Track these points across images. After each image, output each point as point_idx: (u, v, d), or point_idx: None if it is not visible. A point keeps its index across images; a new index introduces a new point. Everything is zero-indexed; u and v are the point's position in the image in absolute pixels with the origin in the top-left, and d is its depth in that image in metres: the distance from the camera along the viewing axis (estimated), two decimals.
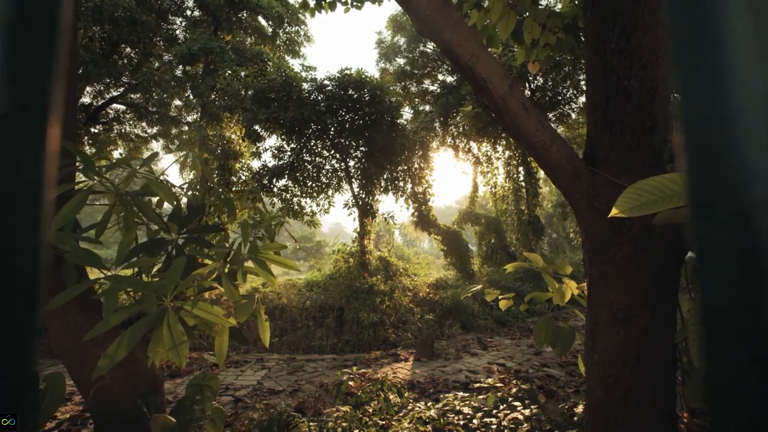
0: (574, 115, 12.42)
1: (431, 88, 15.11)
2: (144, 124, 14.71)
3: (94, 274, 1.86)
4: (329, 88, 9.34)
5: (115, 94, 13.37)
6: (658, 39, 1.33)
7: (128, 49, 12.69)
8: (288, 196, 10.10)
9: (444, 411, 3.03)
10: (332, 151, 10.10)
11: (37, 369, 0.17)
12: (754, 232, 0.14)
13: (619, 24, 1.38)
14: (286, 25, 14.48)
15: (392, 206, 42.91)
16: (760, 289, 0.14)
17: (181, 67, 12.44)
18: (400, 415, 3.01)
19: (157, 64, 13.47)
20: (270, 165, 10.19)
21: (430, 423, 2.81)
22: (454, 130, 13.49)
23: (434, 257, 16.02)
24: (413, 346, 6.81)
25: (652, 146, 1.36)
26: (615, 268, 1.41)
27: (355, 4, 3.68)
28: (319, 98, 9.31)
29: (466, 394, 3.39)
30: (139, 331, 1.21)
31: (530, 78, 11.31)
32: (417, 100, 15.22)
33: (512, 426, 2.66)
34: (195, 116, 13.80)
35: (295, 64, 12.39)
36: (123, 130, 14.64)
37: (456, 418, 2.88)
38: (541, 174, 12.06)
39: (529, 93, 11.53)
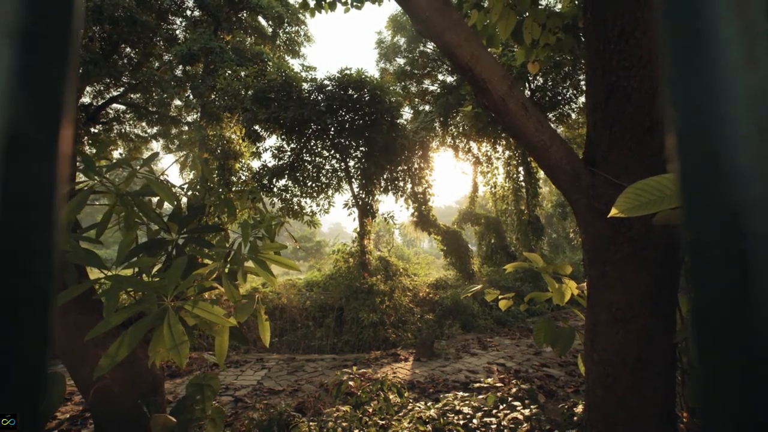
0: (573, 115, 12.43)
1: (431, 88, 15.11)
2: (144, 124, 14.72)
3: (94, 274, 1.87)
4: (329, 88, 9.34)
5: (115, 94, 13.38)
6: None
7: (128, 49, 12.69)
8: (288, 196, 10.11)
9: (444, 411, 3.03)
10: (332, 151, 10.10)
11: (47, 370, 0.18)
12: (744, 232, 0.14)
13: (619, 24, 1.38)
14: (286, 25, 14.48)
15: (392, 206, 42.97)
16: (750, 287, 0.14)
17: (181, 67, 12.45)
18: (400, 414, 3.01)
19: (157, 64, 13.47)
20: (270, 165, 10.20)
21: (430, 423, 2.82)
22: (454, 130, 13.49)
23: (434, 257, 16.03)
24: (413, 346, 6.81)
25: (652, 146, 1.37)
26: (614, 268, 1.41)
27: (355, 4, 3.68)
28: (319, 98, 9.32)
29: (466, 394, 3.39)
30: (140, 330, 1.21)
31: (530, 78, 11.32)
32: (417, 100, 15.22)
33: (512, 426, 2.66)
34: (195, 116, 13.80)
35: (295, 64, 12.41)
36: (123, 130, 14.64)
37: (456, 417, 2.88)
38: (541, 174, 12.07)
39: (528, 93, 11.54)
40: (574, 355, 5.12)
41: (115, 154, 14.37)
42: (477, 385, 3.63)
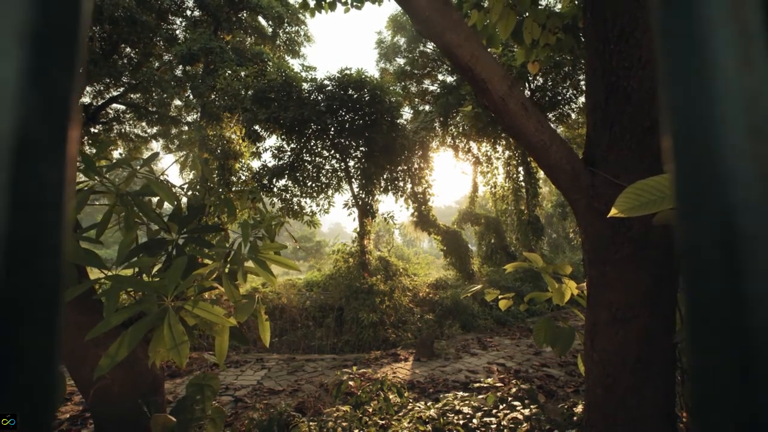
0: (573, 115, 12.43)
1: (431, 88, 15.12)
2: (144, 124, 14.73)
3: (94, 274, 1.87)
4: (329, 88, 9.34)
5: (115, 94, 13.39)
6: None
7: (128, 49, 12.70)
8: (288, 196, 10.11)
9: (444, 411, 3.03)
10: (332, 151, 10.10)
11: (58, 369, 0.18)
12: (737, 233, 0.15)
13: (619, 25, 1.38)
14: (286, 25, 14.49)
15: (392, 206, 42.97)
16: (743, 287, 0.14)
17: (181, 67, 12.45)
18: (400, 414, 3.01)
19: (157, 64, 13.48)
20: (270, 165, 10.20)
21: (430, 423, 2.82)
22: (453, 130, 13.49)
23: (434, 257, 16.03)
24: (413, 346, 6.81)
25: (652, 146, 1.37)
26: (614, 268, 1.41)
27: (355, 4, 3.68)
28: (319, 98, 9.32)
29: (466, 394, 3.39)
30: (140, 330, 1.21)
31: (530, 78, 11.32)
32: (417, 100, 15.22)
33: (512, 426, 2.66)
34: (195, 116, 13.80)
35: (295, 64, 12.41)
36: (123, 130, 14.65)
37: (456, 417, 2.89)
38: (541, 174, 12.07)
39: (528, 93, 11.54)
40: (574, 355, 5.12)
41: (115, 154, 14.36)
42: (477, 385, 3.63)
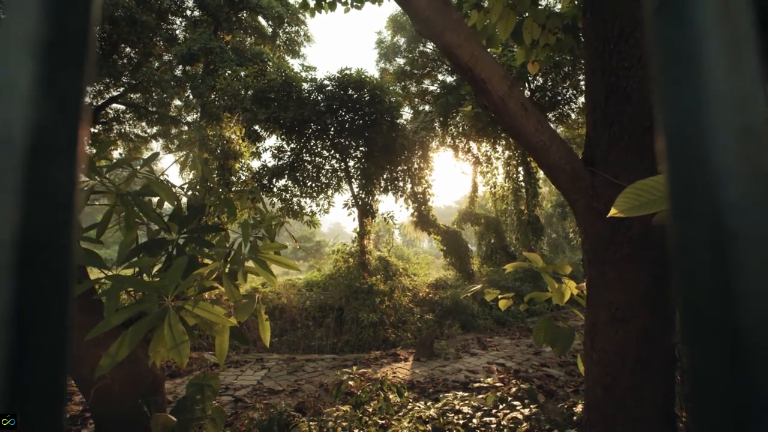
0: (573, 116, 12.43)
1: (431, 88, 15.12)
2: (144, 124, 14.73)
3: (94, 274, 1.87)
4: (329, 88, 9.34)
5: (114, 94, 13.39)
6: None
7: (128, 49, 12.70)
8: (288, 196, 10.11)
9: (443, 410, 3.03)
10: (332, 151, 10.10)
11: (68, 366, 0.18)
12: (727, 231, 0.15)
13: (618, 25, 1.38)
14: (286, 25, 14.49)
15: (392, 206, 42.96)
16: (732, 283, 0.15)
17: (181, 67, 12.45)
18: (400, 414, 3.01)
19: (157, 64, 13.48)
20: (270, 165, 10.20)
21: (430, 422, 2.82)
22: (453, 130, 13.49)
23: (434, 257, 16.03)
24: (413, 345, 6.81)
25: (651, 147, 1.37)
26: (614, 268, 1.41)
27: (355, 4, 3.68)
28: (319, 98, 9.32)
29: (466, 394, 3.40)
30: (141, 330, 1.21)
31: (530, 78, 11.32)
32: (417, 100, 15.22)
33: (511, 425, 2.66)
34: (195, 116, 13.80)
35: (295, 64, 12.41)
36: (123, 130, 14.65)
37: (455, 417, 2.89)
38: (541, 174, 12.08)
39: (528, 93, 11.55)
40: (574, 355, 5.12)
41: (115, 154, 14.36)
42: (477, 384, 3.64)
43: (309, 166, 10.12)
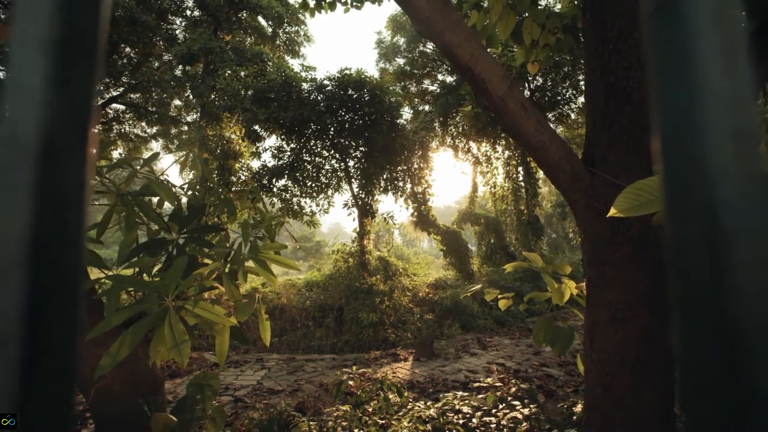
0: (573, 116, 12.43)
1: (431, 88, 15.12)
2: (144, 124, 14.72)
3: (94, 274, 1.87)
4: (329, 88, 9.35)
5: (114, 93, 13.38)
6: None
7: (128, 49, 12.69)
8: (288, 196, 10.11)
9: (443, 410, 3.03)
10: (332, 151, 10.10)
11: (77, 363, 0.18)
12: (721, 228, 0.16)
13: (618, 25, 1.38)
14: (285, 25, 14.49)
15: (392, 206, 42.96)
16: (726, 280, 0.15)
17: (180, 67, 12.45)
18: (400, 414, 3.02)
19: (157, 64, 13.48)
20: (270, 165, 10.20)
21: (430, 422, 2.82)
22: (453, 130, 13.49)
23: (434, 257, 16.03)
24: (413, 345, 6.81)
25: (650, 147, 1.37)
26: (614, 268, 1.41)
27: (355, 4, 3.68)
28: (319, 98, 9.32)
29: (466, 394, 3.40)
30: (141, 330, 1.22)
31: (530, 78, 11.32)
32: (417, 100, 15.22)
33: (511, 425, 2.67)
34: (195, 116, 13.80)
35: (294, 64, 12.40)
36: (123, 130, 14.64)
37: (455, 417, 2.89)
38: (541, 174, 12.08)
39: (528, 93, 11.55)
40: (574, 355, 5.12)
41: (115, 154, 14.35)
42: (476, 384, 3.64)
43: (309, 166, 10.12)
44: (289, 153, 10.01)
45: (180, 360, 1.21)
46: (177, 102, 14.11)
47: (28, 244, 0.16)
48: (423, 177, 11.21)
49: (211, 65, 11.46)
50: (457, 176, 44.75)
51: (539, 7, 2.54)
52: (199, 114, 12.52)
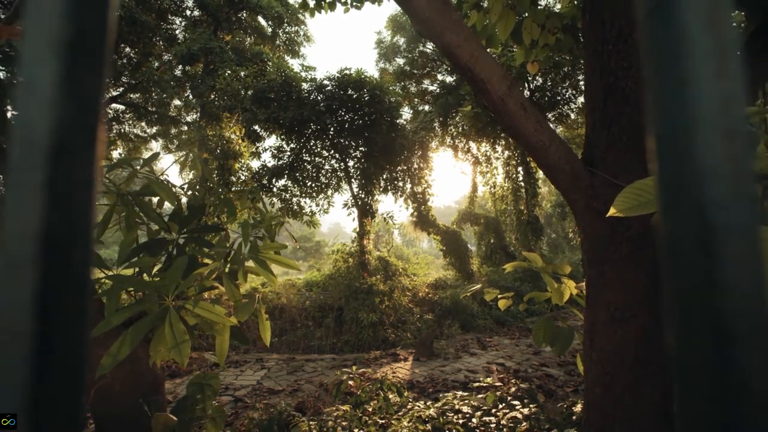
0: (573, 116, 12.43)
1: (431, 88, 15.12)
2: (144, 124, 14.72)
3: (95, 274, 1.87)
4: (329, 88, 9.35)
5: (114, 93, 13.37)
6: None
7: (128, 49, 12.68)
8: (287, 196, 10.12)
9: (443, 410, 3.04)
10: (332, 151, 10.11)
11: (88, 354, 0.19)
12: (712, 226, 0.16)
13: (617, 26, 1.39)
14: (285, 25, 14.49)
15: (392, 206, 42.94)
16: (717, 276, 0.16)
17: (180, 67, 12.45)
18: (400, 414, 3.02)
19: (156, 64, 13.47)
20: (269, 165, 10.20)
21: (430, 422, 2.82)
22: (453, 130, 13.49)
23: (433, 257, 16.04)
24: (412, 345, 6.82)
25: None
26: (613, 267, 1.42)
27: (354, 4, 3.69)
28: (319, 98, 9.32)
29: (466, 394, 3.40)
30: (141, 330, 1.22)
31: (529, 78, 11.32)
32: (416, 100, 15.22)
33: (511, 425, 2.67)
34: (195, 116, 13.80)
35: (294, 64, 12.40)
36: (122, 130, 14.64)
37: (455, 417, 2.89)
38: (540, 174, 12.08)
39: (528, 93, 11.55)
40: (573, 355, 5.13)
41: (115, 154, 14.34)
42: (476, 384, 3.64)
43: (309, 166, 10.13)
44: (288, 153, 10.02)
45: (180, 360, 1.22)
46: (177, 102, 14.11)
47: (39, 242, 0.16)
48: (423, 177, 11.21)
49: (211, 65, 11.46)
50: (457, 176, 44.84)
51: (539, 8, 2.54)
52: (199, 114, 12.52)
